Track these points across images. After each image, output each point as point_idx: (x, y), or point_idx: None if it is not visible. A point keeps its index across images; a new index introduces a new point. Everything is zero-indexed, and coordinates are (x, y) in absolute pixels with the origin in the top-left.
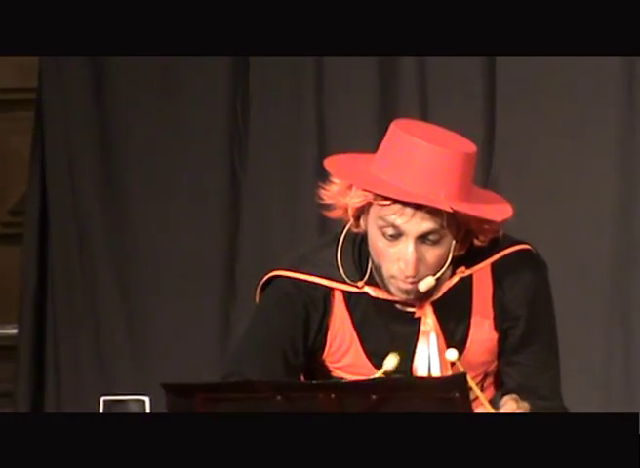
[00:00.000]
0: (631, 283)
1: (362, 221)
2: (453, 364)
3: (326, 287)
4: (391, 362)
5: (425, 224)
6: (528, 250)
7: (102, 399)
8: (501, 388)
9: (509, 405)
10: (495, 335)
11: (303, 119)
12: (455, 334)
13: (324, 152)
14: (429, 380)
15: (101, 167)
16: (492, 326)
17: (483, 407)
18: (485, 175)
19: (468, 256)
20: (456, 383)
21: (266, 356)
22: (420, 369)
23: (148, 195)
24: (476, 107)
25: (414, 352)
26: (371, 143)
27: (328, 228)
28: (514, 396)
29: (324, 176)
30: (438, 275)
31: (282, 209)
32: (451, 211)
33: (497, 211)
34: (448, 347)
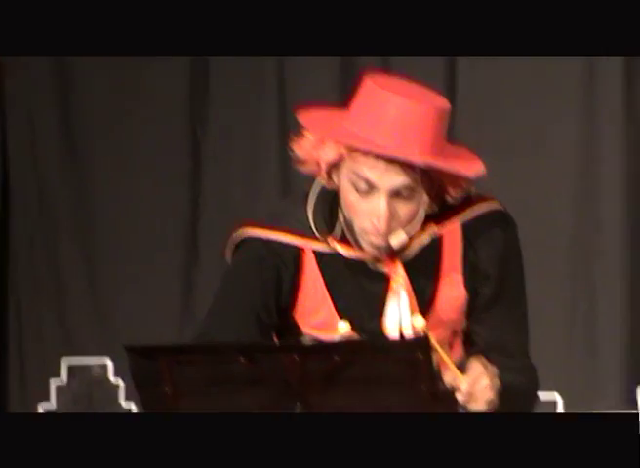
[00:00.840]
0: (593, 237)
1: (334, 176)
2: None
3: (296, 246)
4: (343, 328)
5: (398, 179)
6: (498, 208)
7: (65, 361)
8: (470, 347)
9: (477, 369)
10: (464, 294)
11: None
12: (424, 292)
13: (285, 121)
14: (392, 342)
15: (63, 135)
16: (461, 284)
17: (449, 369)
18: None
19: (439, 215)
20: (419, 345)
21: (240, 317)
22: (391, 327)
23: (109, 160)
24: None
25: (384, 310)
26: None
27: (290, 190)
28: (482, 359)
29: (286, 131)
30: (410, 231)
31: (243, 171)
32: (424, 165)
33: (469, 166)
34: (419, 305)
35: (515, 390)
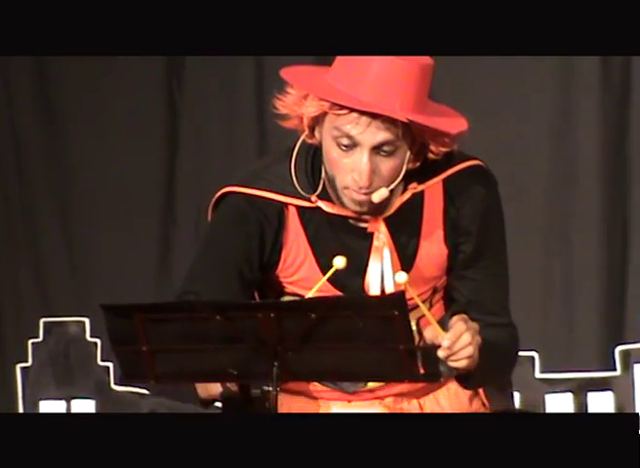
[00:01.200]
0: (568, 201)
1: (317, 132)
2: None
3: (279, 202)
4: (340, 261)
5: (380, 135)
6: (480, 166)
7: (42, 320)
8: (451, 304)
9: (458, 325)
10: (445, 251)
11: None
12: (406, 249)
13: (262, 84)
14: (368, 299)
15: (40, 97)
16: (442, 241)
17: (430, 326)
18: None
19: (421, 172)
20: (395, 301)
21: (222, 273)
22: (373, 284)
23: (87, 121)
24: None
25: (366, 267)
26: None
27: (266, 151)
28: (463, 316)
29: (263, 99)
30: (392, 187)
31: (220, 131)
32: (406, 121)
33: (451, 123)
34: (400, 262)
35: (496, 347)
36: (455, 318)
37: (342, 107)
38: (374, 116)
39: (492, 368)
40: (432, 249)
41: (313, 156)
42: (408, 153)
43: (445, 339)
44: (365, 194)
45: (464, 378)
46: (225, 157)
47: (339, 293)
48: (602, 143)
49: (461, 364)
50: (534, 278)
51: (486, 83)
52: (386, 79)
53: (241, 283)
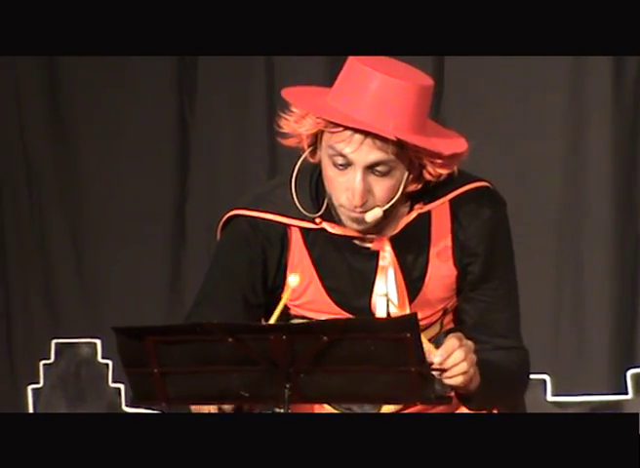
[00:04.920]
0: (581, 219)
1: (318, 151)
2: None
3: (283, 224)
4: (293, 280)
5: (373, 154)
6: (486, 187)
7: (54, 342)
8: (459, 326)
9: (450, 342)
10: (454, 272)
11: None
12: (413, 270)
13: (273, 105)
14: (381, 321)
15: (51, 109)
16: (451, 261)
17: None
18: None
19: (426, 193)
20: (407, 323)
21: (226, 298)
22: (379, 304)
23: (98, 138)
24: None
25: (373, 287)
26: None
27: (278, 170)
28: (457, 334)
29: (274, 117)
30: (386, 207)
31: (231, 151)
32: (395, 140)
33: (447, 144)
34: (408, 283)
35: (502, 369)
36: (449, 335)
37: (336, 125)
38: (366, 135)
39: (497, 390)
40: (441, 269)
41: (317, 178)
42: (406, 174)
43: (436, 356)
44: (359, 213)
45: (467, 399)
46: (236, 177)
47: (346, 315)
48: (614, 167)
49: (456, 381)
50: (545, 301)
51: (495, 83)
52: (383, 99)
53: (246, 308)
